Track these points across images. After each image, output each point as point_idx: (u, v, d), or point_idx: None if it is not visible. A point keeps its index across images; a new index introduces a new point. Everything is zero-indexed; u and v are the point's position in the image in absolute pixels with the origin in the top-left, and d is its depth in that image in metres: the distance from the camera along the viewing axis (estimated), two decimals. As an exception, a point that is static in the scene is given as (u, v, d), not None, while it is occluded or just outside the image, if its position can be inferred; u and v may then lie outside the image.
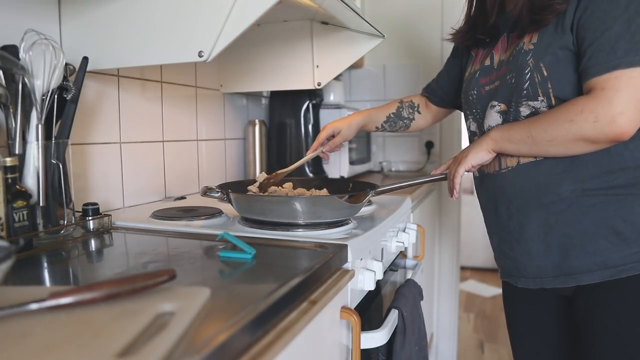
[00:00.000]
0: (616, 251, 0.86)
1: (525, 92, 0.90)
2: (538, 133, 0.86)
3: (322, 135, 1.23)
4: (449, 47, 1.27)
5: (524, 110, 0.91)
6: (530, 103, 0.90)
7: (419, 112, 1.32)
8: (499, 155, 0.97)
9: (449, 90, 1.26)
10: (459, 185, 0.99)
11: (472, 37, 1.09)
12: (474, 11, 1.09)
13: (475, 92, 1.04)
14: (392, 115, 1.30)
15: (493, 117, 0.98)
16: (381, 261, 0.95)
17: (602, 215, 0.87)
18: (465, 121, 1.11)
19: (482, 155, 0.95)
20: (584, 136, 0.81)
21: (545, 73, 0.87)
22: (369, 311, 1.00)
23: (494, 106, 0.97)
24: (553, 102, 0.88)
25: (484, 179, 1.04)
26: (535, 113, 0.90)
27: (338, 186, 1.17)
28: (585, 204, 0.88)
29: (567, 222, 0.90)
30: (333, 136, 1.24)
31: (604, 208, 0.87)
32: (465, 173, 1.04)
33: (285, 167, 1.19)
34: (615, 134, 0.79)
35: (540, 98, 0.89)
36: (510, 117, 0.94)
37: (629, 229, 0.86)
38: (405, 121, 1.31)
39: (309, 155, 1.23)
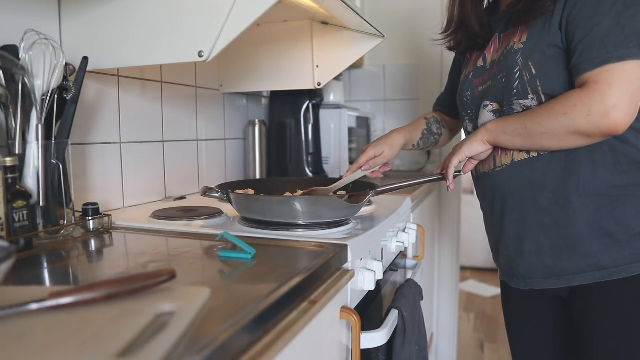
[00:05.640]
0: (608, 253, 0.86)
1: (515, 91, 0.90)
2: (532, 125, 0.86)
3: (362, 159, 1.14)
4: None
5: (516, 109, 0.91)
6: (521, 102, 0.90)
7: (444, 127, 1.29)
8: (494, 154, 0.97)
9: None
10: (452, 175, 0.99)
11: (463, 39, 1.08)
12: (457, 11, 1.07)
13: (469, 93, 1.04)
14: (425, 132, 1.25)
15: (487, 117, 0.98)
16: (381, 261, 0.95)
17: (595, 216, 0.87)
18: (462, 123, 1.10)
19: (476, 145, 0.95)
20: (578, 129, 0.81)
21: (533, 71, 0.87)
22: (369, 311, 1.00)
23: (487, 105, 0.98)
24: (543, 99, 0.88)
25: (480, 178, 1.04)
26: None
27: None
28: (578, 204, 0.88)
29: (560, 223, 0.89)
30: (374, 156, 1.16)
31: (596, 209, 0.87)
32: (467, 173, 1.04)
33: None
34: (608, 128, 0.78)
35: (530, 96, 0.89)
36: (503, 115, 0.94)
37: (621, 231, 0.86)
38: (435, 137, 1.26)
39: (349, 176, 1.14)
